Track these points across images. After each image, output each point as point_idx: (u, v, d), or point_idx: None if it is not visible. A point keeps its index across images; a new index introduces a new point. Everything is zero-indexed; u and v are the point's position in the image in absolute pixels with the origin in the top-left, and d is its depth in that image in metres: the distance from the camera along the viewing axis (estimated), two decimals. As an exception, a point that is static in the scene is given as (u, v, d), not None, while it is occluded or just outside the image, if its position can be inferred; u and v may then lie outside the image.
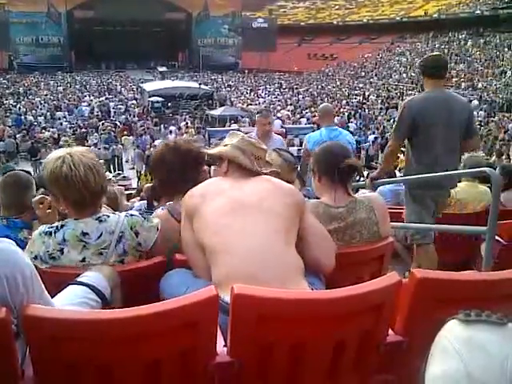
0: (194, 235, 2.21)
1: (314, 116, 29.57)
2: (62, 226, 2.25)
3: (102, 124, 26.72)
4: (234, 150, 2.38)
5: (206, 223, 2.16)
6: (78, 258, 2.22)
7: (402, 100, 33.66)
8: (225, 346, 1.78)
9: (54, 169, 2.16)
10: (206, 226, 2.15)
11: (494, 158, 14.91)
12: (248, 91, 43.40)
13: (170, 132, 25.17)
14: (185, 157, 2.70)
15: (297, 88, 43.87)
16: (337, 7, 74.06)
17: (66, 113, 30.46)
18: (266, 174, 2.40)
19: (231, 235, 2.09)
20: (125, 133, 25.67)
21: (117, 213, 2.37)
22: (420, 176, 4.00)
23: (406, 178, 4.40)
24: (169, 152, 2.73)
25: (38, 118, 28.76)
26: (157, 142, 22.38)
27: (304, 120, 28.45)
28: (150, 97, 32.77)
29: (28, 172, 3.25)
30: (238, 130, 2.81)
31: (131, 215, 2.36)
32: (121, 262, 2.30)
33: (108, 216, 2.30)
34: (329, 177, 2.65)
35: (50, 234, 2.24)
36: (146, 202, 7.05)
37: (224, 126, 25.81)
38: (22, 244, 2.26)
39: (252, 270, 1.98)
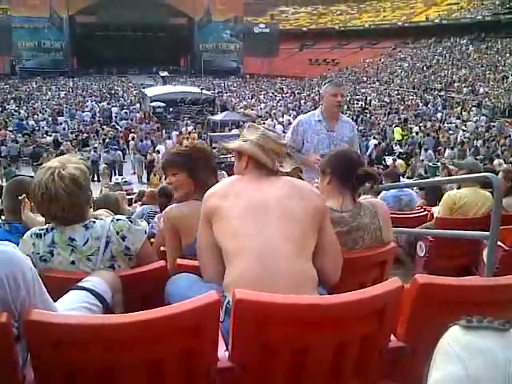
0: (211, 237, 2.19)
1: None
2: (52, 229, 2.27)
3: (102, 129, 26.79)
4: (254, 147, 2.31)
5: (226, 226, 2.13)
6: (68, 259, 2.23)
7: (404, 105, 33.76)
8: (227, 350, 1.78)
9: (39, 181, 2.20)
10: (226, 229, 2.12)
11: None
12: (250, 96, 43.44)
13: (169, 137, 25.16)
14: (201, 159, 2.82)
15: (298, 93, 43.90)
16: (338, 12, 74.21)
17: (69, 117, 30.48)
18: (287, 173, 2.35)
19: (248, 240, 2.06)
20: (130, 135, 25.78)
21: (103, 218, 2.36)
22: (428, 180, 4.20)
23: (412, 182, 4.42)
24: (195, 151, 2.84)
25: (40, 122, 28.79)
26: (158, 147, 22.46)
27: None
28: (151, 102, 32.76)
29: (32, 177, 3.26)
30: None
31: (117, 220, 2.35)
32: (111, 267, 2.30)
33: (94, 222, 2.30)
34: (341, 181, 2.62)
35: (40, 236, 2.26)
36: (147, 206, 7.07)
37: (226, 131, 25.87)
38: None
39: (262, 278, 1.95)
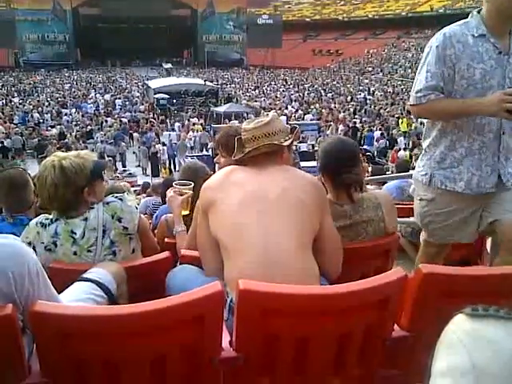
0: (209, 231, 2.12)
1: (320, 112, 29.61)
2: (57, 220, 2.30)
3: (106, 122, 26.82)
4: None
5: (222, 219, 2.07)
6: (71, 250, 2.25)
7: (408, 95, 33.57)
8: (231, 343, 1.79)
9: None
10: (222, 222, 2.06)
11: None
12: (253, 88, 43.31)
13: (173, 129, 25.11)
14: None
15: (302, 84, 43.77)
16: (342, 3, 73.86)
17: (73, 110, 30.51)
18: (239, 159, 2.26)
19: (246, 234, 2.00)
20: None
21: (95, 205, 2.35)
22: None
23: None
24: None
25: (45, 115, 28.84)
26: (162, 139, 22.51)
27: (309, 116, 28.37)
28: (155, 94, 32.72)
29: (24, 169, 3.28)
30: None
31: (107, 203, 2.36)
32: (112, 253, 2.31)
33: (88, 212, 2.32)
34: (332, 179, 2.54)
35: (45, 225, 2.28)
36: (152, 198, 7.10)
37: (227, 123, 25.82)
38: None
39: (265, 274, 1.88)
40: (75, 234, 2.26)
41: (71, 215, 2.30)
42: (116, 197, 2.41)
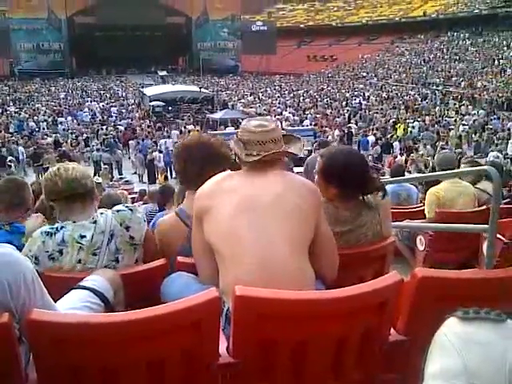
0: (203, 239, 2.10)
1: (316, 118, 29.67)
2: (62, 228, 2.28)
3: (101, 129, 26.80)
4: (233, 143, 2.25)
5: (216, 225, 2.04)
6: (75, 258, 2.25)
7: (402, 100, 33.66)
8: (228, 349, 1.79)
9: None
10: (216, 229, 2.04)
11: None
12: (248, 94, 43.37)
13: (169, 137, 25.07)
14: (206, 151, 2.60)
15: (297, 90, 43.86)
16: (335, 9, 74.09)
17: (69, 118, 30.48)
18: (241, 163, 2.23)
19: (241, 241, 1.98)
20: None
21: (103, 212, 2.38)
22: (426, 175, 4.08)
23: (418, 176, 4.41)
24: (193, 145, 2.66)
25: (41, 123, 28.81)
26: (159, 146, 22.50)
27: (307, 122, 28.39)
28: (150, 101, 32.73)
29: (22, 178, 3.32)
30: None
31: (118, 211, 2.38)
32: (115, 260, 2.31)
33: (97, 216, 2.33)
34: (336, 186, 2.51)
35: (51, 234, 2.27)
36: (149, 205, 7.10)
37: (225, 129, 25.81)
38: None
39: (262, 282, 1.85)
40: (85, 237, 2.26)
41: (79, 217, 2.31)
42: (127, 207, 2.44)
